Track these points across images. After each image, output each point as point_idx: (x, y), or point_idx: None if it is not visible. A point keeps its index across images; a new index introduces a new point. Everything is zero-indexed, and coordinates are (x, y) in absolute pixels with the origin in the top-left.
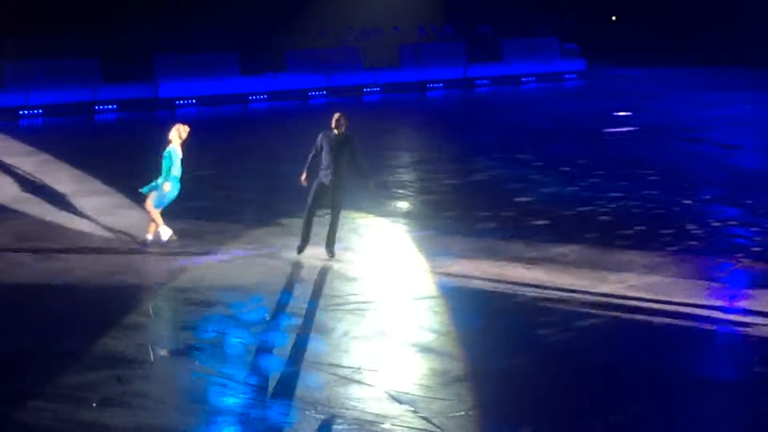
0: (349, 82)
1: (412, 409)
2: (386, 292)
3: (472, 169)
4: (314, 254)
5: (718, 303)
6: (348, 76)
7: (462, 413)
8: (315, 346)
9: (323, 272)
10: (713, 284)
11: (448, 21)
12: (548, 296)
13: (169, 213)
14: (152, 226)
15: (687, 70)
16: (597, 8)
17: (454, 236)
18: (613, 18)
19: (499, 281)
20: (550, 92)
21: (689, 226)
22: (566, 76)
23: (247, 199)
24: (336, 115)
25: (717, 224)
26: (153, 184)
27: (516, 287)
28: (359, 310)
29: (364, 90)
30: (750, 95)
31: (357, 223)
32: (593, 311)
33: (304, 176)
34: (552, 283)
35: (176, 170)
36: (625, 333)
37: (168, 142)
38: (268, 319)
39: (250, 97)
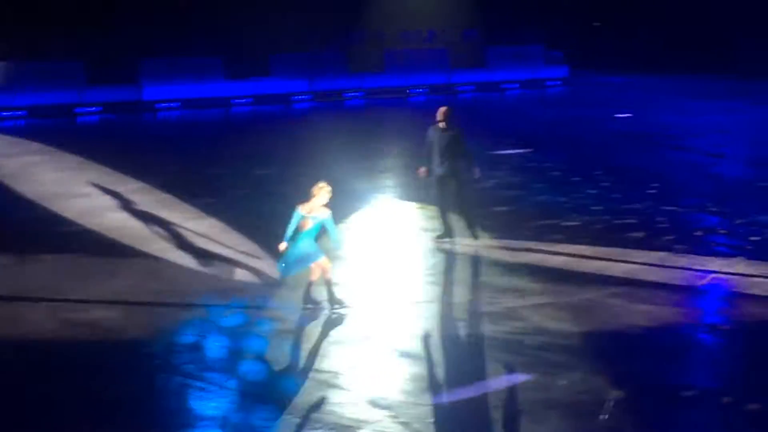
0: (333, 86)
1: (392, 414)
2: (368, 297)
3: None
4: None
5: (698, 311)
6: (332, 81)
7: (441, 419)
8: (295, 350)
9: (304, 276)
10: (694, 292)
11: (433, 27)
12: (530, 303)
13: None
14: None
15: (669, 78)
16: (582, 16)
17: (438, 242)
18: (595, 24)
19: (481, 287)
20: (534, 99)
21: (671, 234)
22: (549, 82)
23: (227, 201)
24: (442, 109)
25: (699, 232)
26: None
27: (498, 294)
28: (340, 314)
29: (348, 94)
30: (731, 103)
31: (339, 228)
32: (574, 318)
33: (423, 169)
34: (533, 289)
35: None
36: (605, 340)
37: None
38: (248, 323)
39: (234, 101)
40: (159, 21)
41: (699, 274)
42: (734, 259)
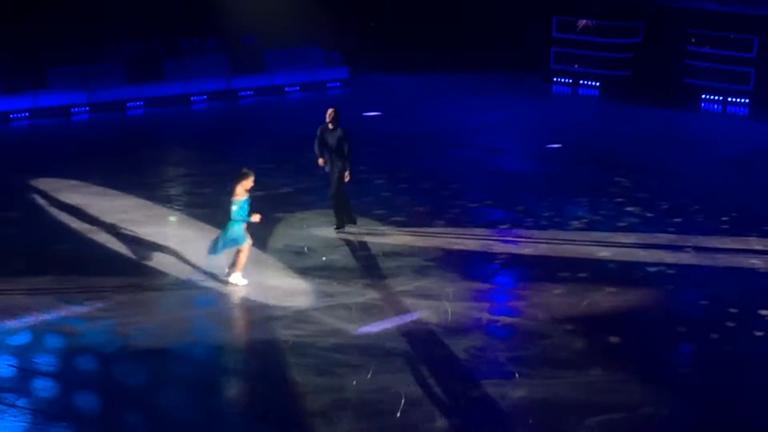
0: (113, 97)
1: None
2: (156, 308)
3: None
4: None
5: (486, 303)
6: (111, 92)
7: None
8: (87, 364)
9: (83, 290)
10: (481, 284)
11: (211, 34)
12: (322, 305)
13: None
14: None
15: (447, 75)
16: (361, 16)
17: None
18: (373, 24)
19: (271, 291)
20: (314, 101)
21: (457, 230)
22: (330, 84)
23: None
24: (329, 111)
25: (484, 227)
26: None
27: (289, 296)
28: (128, 327)
29: (129, 105)
30: (507, 99)
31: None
32: (364, 317)
33: (321, 159)
34: (324, 291)
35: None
36: (394, 338)
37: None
38: (35, 340)
39: (12, 116)
40: None
41: (487, 268)
42: (519, 251)
